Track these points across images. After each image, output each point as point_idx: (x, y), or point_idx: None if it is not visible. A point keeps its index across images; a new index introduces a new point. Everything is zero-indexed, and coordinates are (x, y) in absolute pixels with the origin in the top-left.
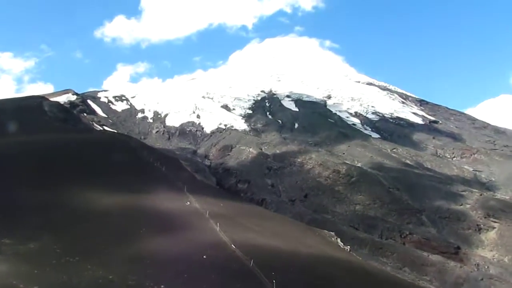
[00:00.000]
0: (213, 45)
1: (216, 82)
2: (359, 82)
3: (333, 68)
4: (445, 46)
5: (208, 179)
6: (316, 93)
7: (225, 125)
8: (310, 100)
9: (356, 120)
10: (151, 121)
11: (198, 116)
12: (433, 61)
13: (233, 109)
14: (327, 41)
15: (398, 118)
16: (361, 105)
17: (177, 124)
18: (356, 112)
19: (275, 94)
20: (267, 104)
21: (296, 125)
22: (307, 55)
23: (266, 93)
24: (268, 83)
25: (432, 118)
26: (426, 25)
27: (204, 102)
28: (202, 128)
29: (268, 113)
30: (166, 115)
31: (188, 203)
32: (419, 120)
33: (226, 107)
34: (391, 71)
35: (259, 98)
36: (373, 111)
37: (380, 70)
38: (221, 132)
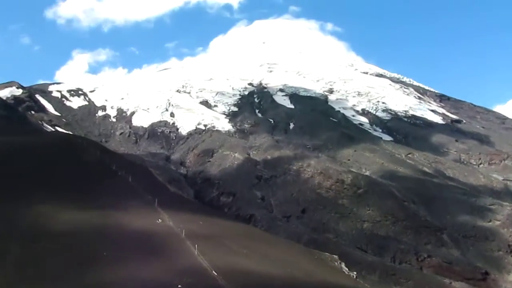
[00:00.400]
0: (191, 28)
1: (194, 73)
2: (366, 73)
3: (336, 56)
4: (470, 33)
5: (185, 191)
6: (315, 87)
7: (205, 126)
8: (308, 95)
9: (363, 119)
10: (114, 120)
11: (172, 115)
12: (456, 49)
13: (215, 105)
14: (328, 24)
15: (413, 116)
16: (369, 101)
17: (146, 124)
18: (363, 110)
19: (265, 88)
20: (256, 100)
21: (292, 125)
22: (304, 41)
23: (255, 87)
24: (258, 74)
25: (455, 117)
26: (447, 7)
27: (180, 98)
28: (177, 129)
29: (257, 110)
30: (132, 113)
31: (160, 220)
32: (439, 119)
33: (206, 103)
34: (406, 60)
35: (246, 93)
36: (384, 108)
37: (392, 60)
38: (200, 134)
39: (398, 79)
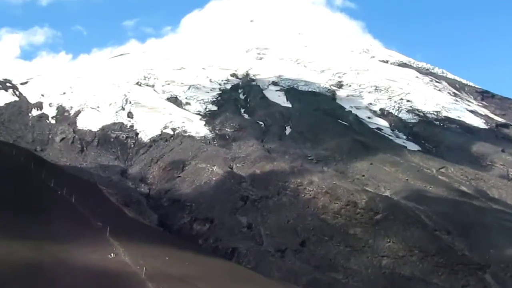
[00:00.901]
0: (156, 2)
1: (159, 60)
2: (386, 62)
3: (347, 40)
4: None
5: (146, 216)
6: (319, 79)
7: (174, 130)
8: (310, 89)
9: (382, 123)
10: (53, 122)
11: (130, 115)
12: (501, 33)
13: (187, 103)
14: None
15: (447, 119)
16: (390, 98)
17: (95, 128)
18: (382, 110)
19: (254, 80)
20: (241, 96)
21: (288, 130)
22: (305, 19)
23: (240, 78)
24: (244, 63)
25: (501, 120)
26: None
27: (140, 92)
28: (137, 134)
29: (243, 110)
30: (77, 113)
31: (113, 255)
32: (480, 123)
33: (175, 100)
34: (437, 46)
35: (228, 86)
36: (409, 108)
37: (420, 45)
38: (167, 141)
39: (427, 70)
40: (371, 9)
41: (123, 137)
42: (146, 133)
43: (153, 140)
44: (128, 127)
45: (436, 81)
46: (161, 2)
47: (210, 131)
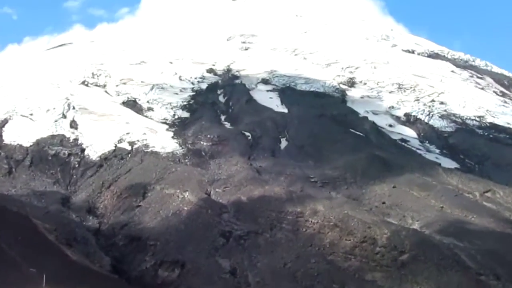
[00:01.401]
0: None
1: (113, 52)
2: (413, 52)
3: (361, 23)
4: None
5: (95, 258)
6: (324, 75)
7: (132, 143)
8: (313, 89)
9: (408, 132)
10: None
11: (73, 124)
12: None
13: (149, 108)
14: None
15: (494, 127)
16: (418, 99)
17: (27, 142)
18: (408, 115)
19: (237, 77)
20: (221, 99)
21: (284, 143)
22: None
23: (220, 75)
24: (224, 54)
25: None
26: None
27: (88, 95)
28: (83, 150)
29: (223, 117)
30: (3, 123)
31: None
32: None
33: (133, 104)
34: (479, 33)
35: (203, 86)
36: (444, 113)
37: (456, 31)
38: (122, 159)
39: (466, 62)
40: None
41: (64, 154)
42: (95, 149)
43: (105, 158)
44: (71, 141)
45: (478, 77)
46: None
47: (180, 145)
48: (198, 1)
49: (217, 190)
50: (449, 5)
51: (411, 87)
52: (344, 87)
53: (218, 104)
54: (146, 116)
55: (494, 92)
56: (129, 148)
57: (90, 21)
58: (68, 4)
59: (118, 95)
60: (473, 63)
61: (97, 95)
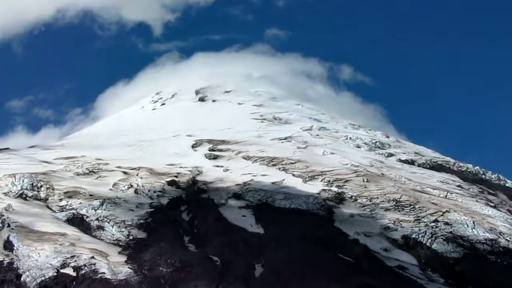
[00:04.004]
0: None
1: (56, 158)
2: (413, 163)
3: (350, 129)
4: None
5: None
6: (308, 190)
7: (77, 269)
8: (294, 206)
9: (407, 258)
10: None
11: (7, 245)
12: None
13: (99, 227)
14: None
15: (509, 252)
16: (418, 219)
17: None
18: (407, 238)
19: (204, 191)
20: (184, 216)
21: (259, 269)
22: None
23: (183, 189)
24: (189, 163)
25: None
26: None
27: (25, 209)
28: (18, 277)
29: (187, 238)
30: None
31: None
32: None
33: (80, 221)
34: (490, 143)
35: (164, 201)
36: (449, 235)
37: (464, 139)
38: (66, 287)
39: (475, 175)
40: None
41: None
42: (34, 275)
43: (45, 286)
44: (4, 265)
45: (490, 193)
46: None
47: (135, 272)
48: (159, 103)
49: None
50: (460, 116)
51: (410, 204)
52: (331, 203)
53: (181, 223)
54: (95, 236)
55: (509, 211)
56: (74, 274)
57: (34, 123)
58: (11, 104)
59: (62, 210)
60: (483, 177)
61: (36, 209)
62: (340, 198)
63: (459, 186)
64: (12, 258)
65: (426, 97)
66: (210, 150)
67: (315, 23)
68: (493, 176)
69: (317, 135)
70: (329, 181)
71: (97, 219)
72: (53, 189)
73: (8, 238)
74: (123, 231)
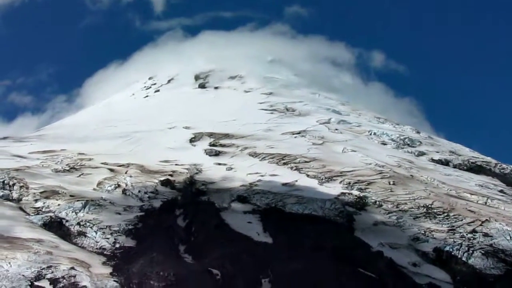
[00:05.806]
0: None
1: (31, 152)
2: (446, 163)
3: (375, 124)
4: None
5: None
6: (324, 192)
7: (55, 281)
8: (308, 211)
9: (439, 275)
10: None
11: None
12: None
13: (80, 233)
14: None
15: None
16: (453, 229)
17: None
18: (439, 251)
19: (204, 193)
20: (179, 221)
21: (267, 284)
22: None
23: (179, 189)
24: (186, 160)
25: None
26: None
27: None
28: None
29: (182, 247)
30: None
31: None
32: None
33: (58, 226)
34: None
35: (156, 204)
36: (489, 249)
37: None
38: None
39: None
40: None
41: None
42: None
43: None
44: None
45: None
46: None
47: (122, 286)
48: (153, 89)
49: None
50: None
51: (443, 212)
52: (351, 209)
53: (176, 230)
54: (76, 244)
55: None
56: (50, 287)
57: (10, 111)
58: None
59: (38, 213)
60: None
61: (8, 213)
62: (361, 203)
63: (501, 191)
64: None
65: (469, 91)
66: (211, 145)
67: (344, 1)
68: None
69: (336, 129)
70: (349, 183)
71: (78, 223)
72: (27, 188)
73: None
74: (108, 238)
